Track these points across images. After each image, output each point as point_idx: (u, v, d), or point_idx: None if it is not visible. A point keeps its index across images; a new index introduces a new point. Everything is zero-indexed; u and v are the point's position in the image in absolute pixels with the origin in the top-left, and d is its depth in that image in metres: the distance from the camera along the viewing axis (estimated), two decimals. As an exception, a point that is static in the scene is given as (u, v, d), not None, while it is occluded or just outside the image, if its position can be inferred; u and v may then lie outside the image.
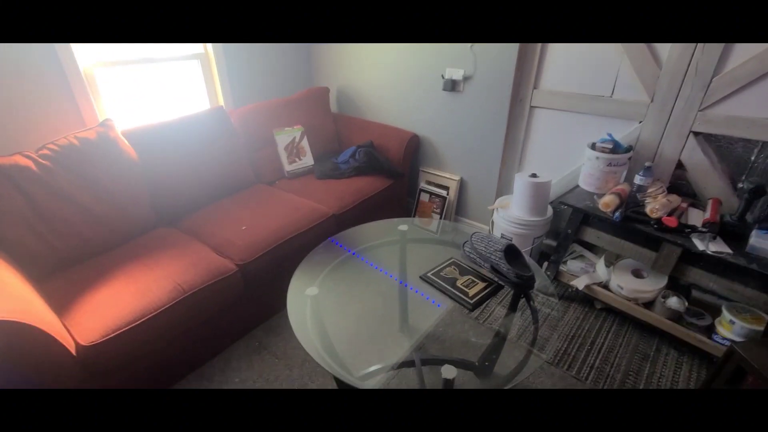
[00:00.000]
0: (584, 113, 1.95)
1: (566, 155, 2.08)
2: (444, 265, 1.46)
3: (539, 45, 1.94)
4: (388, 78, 2.58)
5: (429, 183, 2.65)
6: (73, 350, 1.21)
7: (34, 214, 1.54)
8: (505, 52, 2.02)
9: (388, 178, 2.46)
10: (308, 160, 2.49)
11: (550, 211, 2.09)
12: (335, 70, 2.87)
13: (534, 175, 1.97)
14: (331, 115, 2.77)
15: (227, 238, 1.79)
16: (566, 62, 1.92)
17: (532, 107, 2.11)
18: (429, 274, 1.40)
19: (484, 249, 1.38)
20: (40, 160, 1.60)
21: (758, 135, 1.57)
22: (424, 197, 2.66)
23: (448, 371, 0.97)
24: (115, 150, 1.78)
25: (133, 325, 1.35)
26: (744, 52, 1.51)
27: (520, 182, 1.98)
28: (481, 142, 2.32)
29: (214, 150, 2.15)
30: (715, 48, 1.54)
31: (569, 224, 1.87)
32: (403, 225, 1.69)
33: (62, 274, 1.57)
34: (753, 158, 1.64)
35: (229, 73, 2.52)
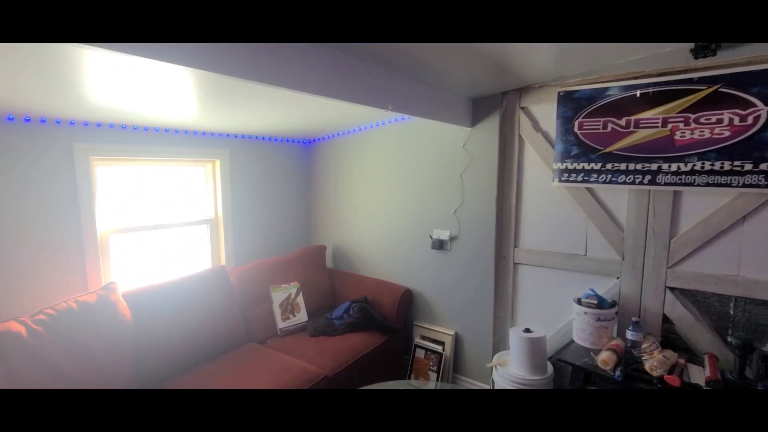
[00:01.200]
0: (565, 269, 2.10)
1: (556, 309, 2.14)
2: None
3: (513, 209, 2.22)
4: (381, 237, 2.81)
5: (424, 338, 2.61)
6: None
7: (9, 387, 1.45)
8: (485, 215, 2.28)
9: (382, 334, 2.43)
10: (302, 316, 2.49)
11: (550, 368, 2.02)
12: (332, 230, 3.13)
13: (528, 330, 1.98)
14: (326, 271, 2.90)
15: (210, 408, 1.65)
16: (539, 224, 2.16)
17: (515, 264, 2.26)
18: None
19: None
20: (33, 326, 1.59)
21: (727, 290, 1.68)
22: (420, 353, 2.57)
23: None
24: (111, 313, 1.79)
25: None
26: (691, 219, 1.74)
27: (515, 338, 1.98)
28: (473, 296, 2.40)
29: (209, 309, 2.16)
30: (664, 215, 1.79)
31: (573, 383, 1.79)
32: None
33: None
34: (731, 312, 1.71)
35: (234, 234, 2.74)
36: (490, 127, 2.23)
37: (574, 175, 1.99)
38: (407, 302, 2.64)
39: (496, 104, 2.20)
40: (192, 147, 2.45)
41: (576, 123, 1.95)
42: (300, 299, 2.53)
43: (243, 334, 2.28)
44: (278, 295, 2.45)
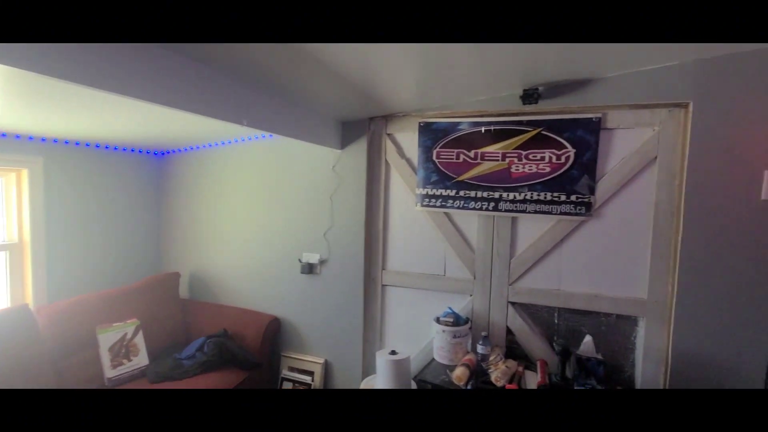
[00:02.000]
0: (427, 289, 2.19)
1: (420, 329, 2.22)
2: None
3: (381, 231, 2.25)
4: (246, 261, 2.57)
5: (292, 369, 2.44)
6: None
7: None
8: (355, 238, 2.27)
9: (243, 369, 2.19)
10: (142, 359, 2.08)
11: (415, 388, 2.07)
12: (189, 254, 2.75)
13: (393, 352, 2.00)
14: (179, 302, 2.51)
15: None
16: (405, 246, 2.23)
17: (383, 286, 2.29)
18: None
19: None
20: None
21: (552, 302, 1.96)
22: (287, 386, 2.39)
23: None
24: None
25: None
26: (525, 241, 2.00)
27: (380, 361, 1.97)
28: (342, 321, 2.34)
29: (4, 363, 1.64)
30: (505, 238, 2.01)
31: (432, 402, 1.85)
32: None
33: None
34: (556, 321, 2.00)
35: (48, 262, 2.18)
36: (359, 150, 2.25)
37: (434, 200, 2.12)
38: (274, 332, 2.44)
39: (364, 129, 2.24)
40: (-17, 151, 1.89)
41: (434, 152, 2.10)
42: (139, 339, 2.12)
43: (53, 388, 1.78)
44: (107, 337, 2.01)
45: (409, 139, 2.19)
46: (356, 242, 2.27)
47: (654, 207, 1.78)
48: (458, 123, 2.04)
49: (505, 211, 1.98)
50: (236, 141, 2.54)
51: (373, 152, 2.25)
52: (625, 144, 1.82)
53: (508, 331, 2.05)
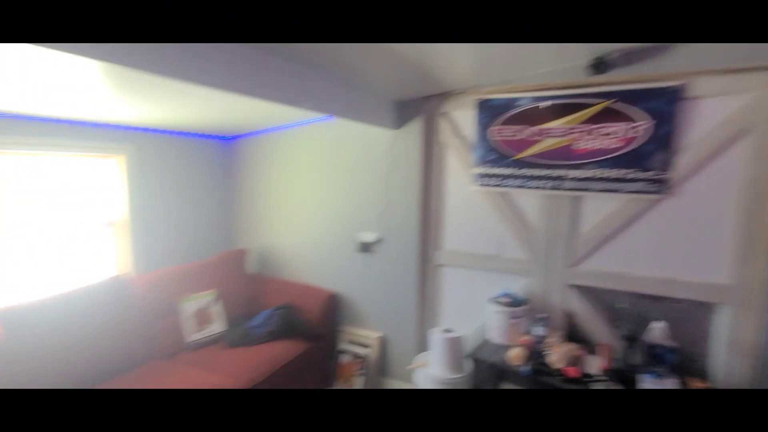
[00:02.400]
0: (482, 269, 2.18)
1: (474, 309, 2.22)
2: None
3: (436, 211, 2.26)
4: (307, 239, 2.72)
5: (350, 342, 2.57)
6: None
7: None
8: (410, 218, 2.30)
9: (306, 340, 2.35)
10: (218, 326, 2.32)
11: (469, 365, 2.09)
12: (256, 232, 2.97)
13: (448, 330, 2.03)
14: (247, 277, 2.74)
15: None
16: (460, 226, 2.22)
17: (438, 265, 2.31)
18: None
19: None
20: None
21: (618, 285, 1.85)
22: (346, 358, 2.53)
23: None
24: (-30, 333, 1.51)
25: None
26: (589, 221, 1.90)
27: (435, 338, 2.01)
28: (398, 298, 2.41)
29: (102, 326, 1.92)
30: (567, 217, 1.93)
31: (487, 380, 1.86)
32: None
33: None
34: (622, 305, 1.89)
35: (144, 238, 2.48)
36: (414, 130, 2.25)
37: (491, 179, 2.07)
38: (333, 307, 2.58)
39: (419, 108, 2.23)
40: (92, 140, 2.18)
41: (492, 129, 2.04)
42: (216, 308, 2.35)
43: (145, 351, 2.06)
44: (190, 306, 2.26)
45: (465, 117, 2.15)
46: (411, 222, 2.30)
47: (744, 184, 1.59)
48: (518, 98, 1.96)
49: (569, 189, 1.89)
50: (298, 124, 2.66)
51: (428, 132, 2.24)
52: (710, 114, 1.64)
53: (568, 314, 1.98)
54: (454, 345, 1.99)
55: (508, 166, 2.02)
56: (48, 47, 0.89)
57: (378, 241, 2.43)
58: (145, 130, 2.45)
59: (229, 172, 3.05)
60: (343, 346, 2.57)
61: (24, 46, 0.96)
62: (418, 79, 1.92)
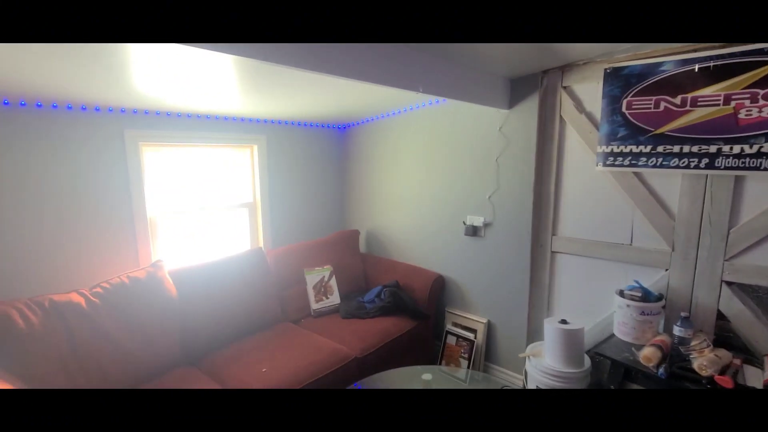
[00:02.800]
0: (607, 259, 1.98)
1: (596, 301, 2.03)
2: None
3: (552, 195, 2.11)
4: (414, 222, 2.79)
5: (455, 325, 2.59)
6: None
7: (71, 351, 1.60)
8: (522, 202, 2.19)
9: (413, 319, 2.44)
10: (335, 298, 2.55)
11: (588, 361, 1.94)
12: (366, 214, 3.15)
13: (564, 321, 1.90)
14: (359, 255, 2.93)
15: (246, 381, 1.75)
16: (580, 211, 2.04)
17: (553, 252, 2.16)
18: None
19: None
20: (91, 297, 1.74)
21: (797, 287, 1.51)
22: (451, 340, 2.56)
23: None
24: (158, 289, 1.93)
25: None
26: (755, 207, 1.57)
27: (551, 329, 1.91)
28: (507, 285, 2.33)
29: (247, 289, 2.26)
30: (723, 202, 1.62)
31: (610, 379, 1.70)
32: (427, 374, 1.61)
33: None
34: (800, 311, 1.54)
35: (271, 217, 2.83)
36: (529, 108, 2.12)
37: (621, 158, 1.85)
38: (439, 288, 2.62)
39: (535, 84, 2.08)
40: (232, 132, 2.55)
41: (624, 102, 1.81)
42: (333, 282, 2.58)
43: (278, 314, 2.38)
44: (312, 277, 2.52)
45: (589, 90, 1.94)
46: (523, 206, 2.19)
47: None
48: (659, 63, 1.70)
49: (726, 168, 1.59)
50: (405, 110, 2.71)
51: (545, 109, 2.09)
52: None
53: (720, 316, 1.69)
54: (573, 338, 1.86)
55: (642, 143, 1.78)
56: (203, 47, 1.04)
57: (487, 225, 2.38)
58: (273, 122, 2.76)
59: (343, 158, 3.27)
60: (449, 327, 2.60)
61: (180, 48, 1.10)
62: (535, 52, 1.79)
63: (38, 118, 1.84)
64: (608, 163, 1.89)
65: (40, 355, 1.52)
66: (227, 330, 2.12)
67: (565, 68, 1.99)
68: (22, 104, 1.79)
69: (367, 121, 3.01)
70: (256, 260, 2.39)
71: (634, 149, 1.80)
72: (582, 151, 2.00)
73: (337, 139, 3.24)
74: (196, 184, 2.48)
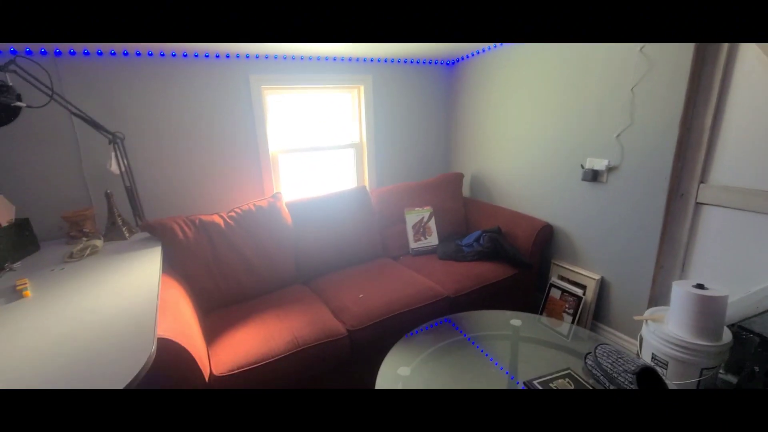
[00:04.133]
0: (779, 216, 1.53)
1: (751, 267, 1.62)
2: (557, 375, 1.25)
3: (707, 131, 1.68)
4: (523, 165, 2.56)
5: (561, 278, 2.39)
6: (206, 377, 1.45)
7: (214, 259, 1.99)
8: (662, 141, 1.80)
9: (513, 266, 2.33)
10: (433, 239, 2.57)
11: (728, 335, 1.60)
12: (471, 157, 3.00)
13: (701, 286, 1.58)
14: (461, 199, 2.85)
15: (345, 303, 1.94)
16: (750, 152, 1.58)
17: (698, 204, 1.76)
18: (535, 382, 1.22)
19: (610, 367, 1.14)
20: (228, 220, 2.10)
21: None
22: (555, 293, 2.38)
23: None
24: (278, 217, 2.21)
25: (254, 366, 1.54)
26: None
27: (681, 293, 1.61)
28: (629, 240, 2.02)
29: (352, 223, 2.44)
30: None
31: (756, 359, 1.39)
32: (516, 320, 1.54)
33: (220, 311, 1.94)
34: None
35: (377, 158, 2.92)
36: (687, 18, 1.65)
37: (827, 78, 1.33)
38: (546, 238, 2.41)
39: (701, -17, 1.59)
40: (340, 74, 2.62)
41: None
42: (432, 223, 2.60)
43: (379, 249, 2.52)
44: (412, 217, 2.57)
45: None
46: (663, 146, 1.80)
47: None
48: None
49: None
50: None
51: (712, 17, 1.60)
52: None
53: None
54: (709, 306, 1.55)
55: None
56: None
57: (611, 169, 2.04)
58: (380, 61, 2.74)
59: (451, 96, 3.11)
60: (554, 281, 2.41)
61: None
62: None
63: (175, 67, 2.17)
64: (804, 85, 1.39)
65: (193, 259, 1.94)
66: (333, 258, 2.35)
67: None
68: (161, 55, 2.12)
69: (479, 53, 2.75)
70: (360, 198, 2.53)
71: None
72: (764, 72, 1.50)
73: (445, 76, 3.07)
74: (309, 124, 2.67)
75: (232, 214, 2.14)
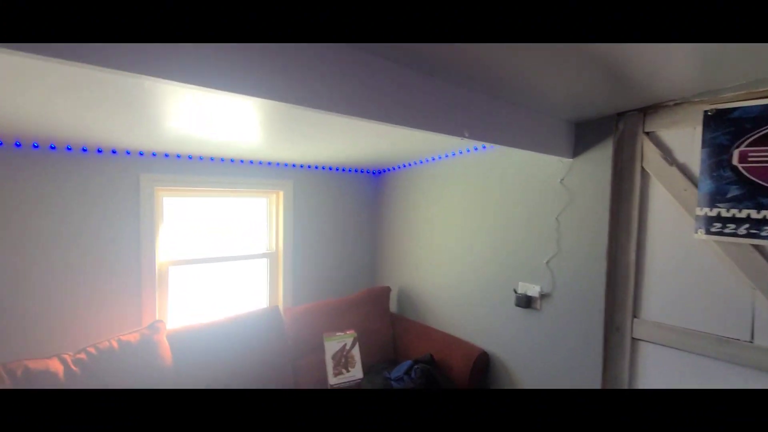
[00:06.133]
0: (714, 358, 1.47)
1: (700, 414, 1.50)
2: None
3: (633, 265, 1.66)
4: (454, 284, 2.40)
5: (502, 416, 2.09)
6: None
7: None
8: (591, 270, 1.75)
9: (449, 406, 1.98)
10: (357, 372, 2.17)
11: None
12: (399, 270, 2.80)
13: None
14: (389, 316, 2.56)
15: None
16: (673, 289, 1.57)
17: (634, 339, 1.68)
18: None
19: None
20: (72, 366, 1.51)
21: None
22: None
23: None
24: (150, 356, 1.67)
25: None
26: None
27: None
28: (570, 372, 1.85)
29: (258, 355, 1.97)
30: None
31: None
32: None
33: None
34: None
35: (294, 270, 2.56)
36: (600, 158, 1.73)
37: (733, 225, 1.40)
38: (482, 368, 2.16)
39: (609, 129, 1.71)
40: (256, 177, 2.36)
41: (735, 153, 1.38)
42: (356, 351, 2.21)
43: (290, 384, 2.03)
44: (332, 345, 2.17)
45: (683, 137, 1.54)
46: (592, 275, 1.75)
47: None
48: (790, 104, 1.28)
49: None
50: (447, 156, 2.41)
51: (621, 159, 1.70)
52: None
53: None
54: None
55: (766, 206, 1.33)
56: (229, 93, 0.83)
57: (544, 296, 1.94)
58: (302, 167, 2.56)
59: (376, 206, 3.00)
60: (493, 419, 2.10)
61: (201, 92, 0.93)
62: (608, 89, 1.44)
63: (52, 161, 1.73)
64: (714, 230, 1.44)
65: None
66: (227, 408, 1.79)
67: (649, 110, 1.61)
68: (34, 146, 1.68)
69: (405, 166, 2.74)
70: (271, 321, 2.10)
71: (754, 214, 1.35)
72: (674, 213, 1.56)
73: (371, 186, 2.98)
74: (215, 231, 2.28)
75: (82, 356, 1.56)
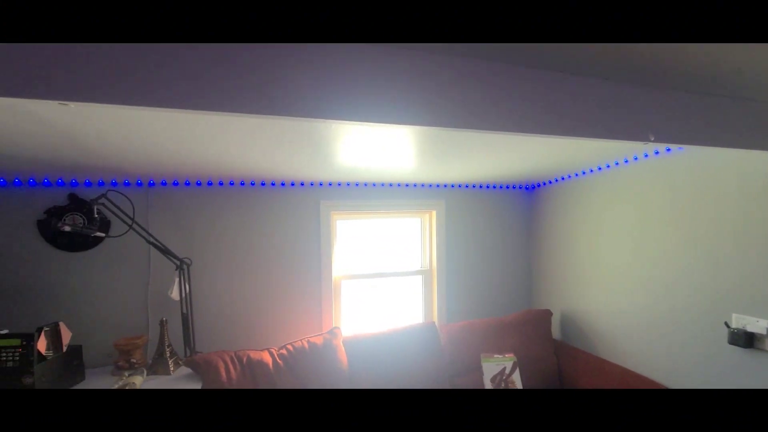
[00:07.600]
0: None
1: None
2: None
3: None
4: (634, 310, 2.06)
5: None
6: None
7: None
8: None
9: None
10: (519, 398, 2.04)
11: None
12: (560, 292, 2.56)
13: None
14: (552, 343, 2.35)
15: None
16: None
17: None
18: None
19: None
20: (277, 359, 1.86)
21: None
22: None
23: None
24: (332, 358, 1.93)
25: None
26: None
27: None
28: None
29: (418, 368, 2.06)
30: None
31: None
32: None
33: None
34: None
35: (447, 287, 2.61)
36: None
37: None
38: (682, 417, 1.77)
39: None
40: (411, 199, 2.53)
41: None
42: (516, 377, 2.10)
43: (449, 405, 2.05)
44: (489, 367, 2.11)
45: None
46: None
47: None
48: None
49: None
50: (618, 164, 2.14)
51: None
52: None
53: None
54: None
55: None
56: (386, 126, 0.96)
57: (774, 334, 1.50)
58: (453, 186, 2.63)
59: (531, 223, 2.84)
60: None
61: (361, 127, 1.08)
62: None
63: (250, 195, 2.21)
64: None
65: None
66: (393, 415, 1.92)
67: None
68: (242, 184, 2.20)
69: (562, 179, 2.53)
70: (428, 336, 2.19)
71: None
72: None
73: (524, 202, 2.84)
74: (377, 250, 2.52)
75: (283, 351, 1.91)
